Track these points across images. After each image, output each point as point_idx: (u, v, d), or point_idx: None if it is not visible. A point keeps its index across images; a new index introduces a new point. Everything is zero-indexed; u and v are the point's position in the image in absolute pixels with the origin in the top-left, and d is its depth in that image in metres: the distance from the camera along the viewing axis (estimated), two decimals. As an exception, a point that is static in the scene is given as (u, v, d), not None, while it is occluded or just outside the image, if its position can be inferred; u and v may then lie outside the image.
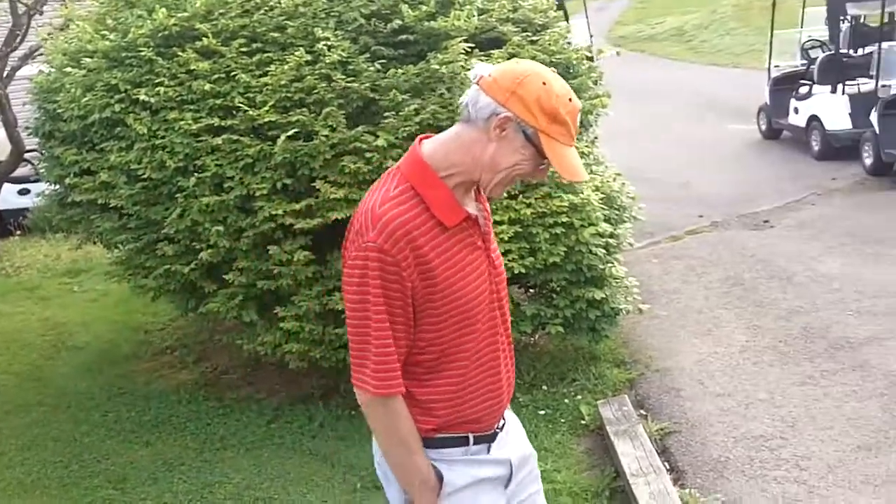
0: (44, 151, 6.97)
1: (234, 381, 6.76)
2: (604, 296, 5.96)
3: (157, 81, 5.79)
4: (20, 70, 11.14)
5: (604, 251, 5.93)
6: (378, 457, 2.59)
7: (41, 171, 7.00)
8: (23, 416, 6.48)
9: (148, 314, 8.28)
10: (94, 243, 7.08)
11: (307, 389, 6.33)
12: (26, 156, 11.44)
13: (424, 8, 5.88)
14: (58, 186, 6.80)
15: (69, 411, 6.49)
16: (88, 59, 6.17)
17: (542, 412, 5.81)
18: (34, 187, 12.23)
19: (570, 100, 2.29)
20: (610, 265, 6.09)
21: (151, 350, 7.58)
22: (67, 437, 6.06)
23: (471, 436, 2.49)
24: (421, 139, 2.43)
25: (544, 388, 6.14)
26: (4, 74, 11.11)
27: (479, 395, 2.47)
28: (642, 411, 5.78)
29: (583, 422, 5.71)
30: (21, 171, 11.76)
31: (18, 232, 12.22)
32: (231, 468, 5.46)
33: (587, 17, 21.21)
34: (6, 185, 11.50)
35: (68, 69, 6.28)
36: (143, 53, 5.86)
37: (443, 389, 2.43)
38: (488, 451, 2.54)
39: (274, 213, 5.44)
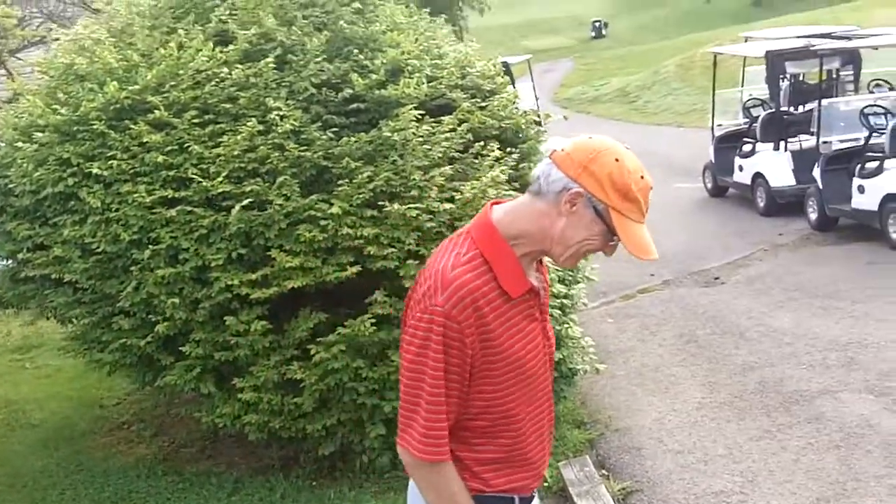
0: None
1: (193, 454, 6.67)
2: (561, 357, 5.99)
3: (109, 154, 5.79)
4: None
5: (559, 312, 5.97)
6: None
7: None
8: (-24, 496, 6.34)
9: (103, 389, 8.16)
10: (48, 318, 6.99)
11: (267, 461, 6.27)
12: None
13: (374, 76, 5.97)
14: (10, 262, 6.73)
15: (25, 490, 6.37)
16: (40, 134, 6.15)
17: (504, 476, 5.80)
18: (-19, 263, 12.09)
19: (641, 177, 2.30)
20: (566, 326, 6.14)
21: (108, 425, 7.47)
22: (24, 517, 5.94)
23: (516, 497, 2.51)
24: (492, 204, 2.45)
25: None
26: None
27: (526, 463, 2.50)
28: (604, 471, 5.80)
29: (545, 484, 5.70)
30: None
31: (-35, 309, 12.00)
32: (192, 543, 5.38)
33: (532, 80, 21.59)
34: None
35: (19, 144, 6.25)
36: (95, 127, 5.86)
37: (492, 456, 2.44)
38: None
39: (230, 283, 5.43)
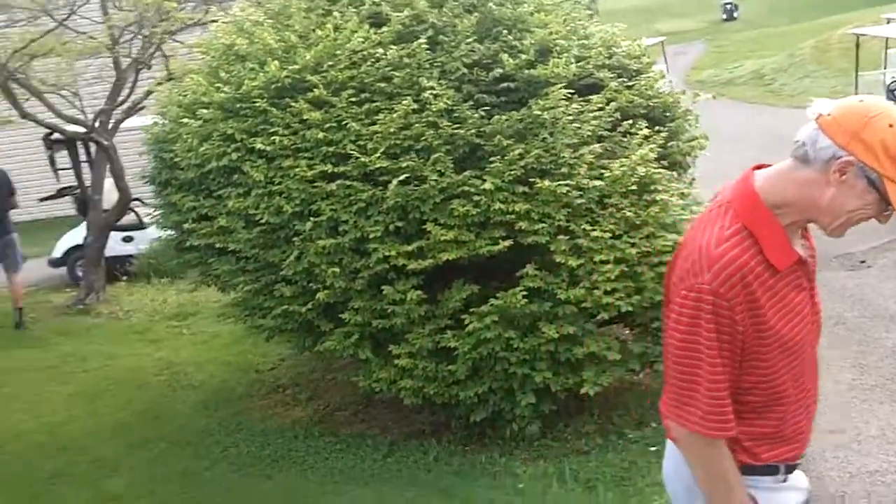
0: (157, 199, 7.27)
1: (347, 417, 6.93)
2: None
3: (271, 131, 6.05)
4: (123, 122, 11.63)
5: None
6: (675, 476, 2.59)
7: (158, 217, 7.29)
8: (147, 451, 6.74)
9: (257, 355, 8.53)
10: (208, 286, 7.33)
11: (418, 426, 6.49)
12: (130, 204, 11.94)
13: (524, 56, 6.06)
14: (174, 232, 7.08)
15: (189, 447, 6.74)
16: (204, 111, 6.45)
17: (653, 448, 5.85)
18: (137, 234, 12.73)
19: None
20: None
21: (264, 388, 7.81)
22: (191, 471, 6.28)
23: (781, 465, 2.48)
24: (753, 169, 2.38)
25: (653, 424, 6.16)
26: (109, 126, 11.60)
27: (794, 434, 2.47)
28: (754, 448, 5.78)
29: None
30: (125, 219, 12.28)
31: (124, 277, 12.63)
32: (354, 501, 5.63)
33: (666, 62, 21.37)
34: (111, 233, 11.96)
35: (184, 120, 6.57)
36: (257, 104, 6.12)
37: (763, 431, 2.42)
38: (786, 479, 2.52)
39: (387, 254, 5.64)
